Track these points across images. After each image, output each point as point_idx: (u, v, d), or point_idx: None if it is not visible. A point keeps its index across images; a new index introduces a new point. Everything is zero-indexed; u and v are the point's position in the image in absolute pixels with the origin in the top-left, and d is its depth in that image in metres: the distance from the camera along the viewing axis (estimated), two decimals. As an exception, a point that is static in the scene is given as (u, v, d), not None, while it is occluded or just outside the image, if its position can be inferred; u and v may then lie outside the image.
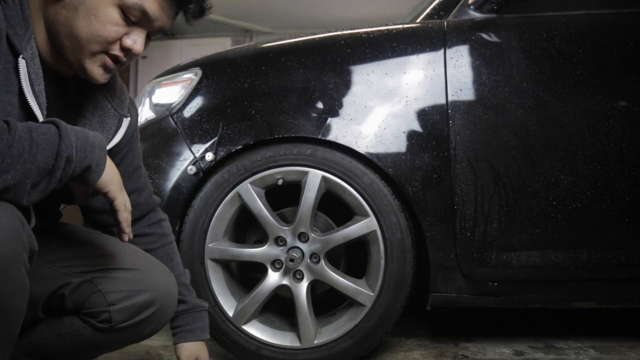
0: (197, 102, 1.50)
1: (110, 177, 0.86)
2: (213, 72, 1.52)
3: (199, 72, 1.52)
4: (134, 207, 1.03)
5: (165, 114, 1.53)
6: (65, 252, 1.01)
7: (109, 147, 0.98)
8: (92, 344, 1.00)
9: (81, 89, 0.98)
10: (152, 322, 1.03)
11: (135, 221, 1.14)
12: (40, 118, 0.85)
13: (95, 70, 0.87)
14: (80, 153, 0.79)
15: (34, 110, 0.84)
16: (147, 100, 1.62)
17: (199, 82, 1.51)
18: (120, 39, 0.86)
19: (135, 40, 0.86)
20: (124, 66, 0.91)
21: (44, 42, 0.88)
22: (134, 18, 0.85)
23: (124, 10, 0.84)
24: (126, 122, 1.03)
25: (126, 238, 0.92)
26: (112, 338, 1.00)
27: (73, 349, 1.01)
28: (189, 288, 1.22)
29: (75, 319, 1.00)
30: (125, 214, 0.90)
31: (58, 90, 0.94)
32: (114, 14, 0.84)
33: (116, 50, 0.86)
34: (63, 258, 1.00)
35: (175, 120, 1.51)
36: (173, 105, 1.53)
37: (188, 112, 1.50)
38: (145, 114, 1.61)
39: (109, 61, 0.87)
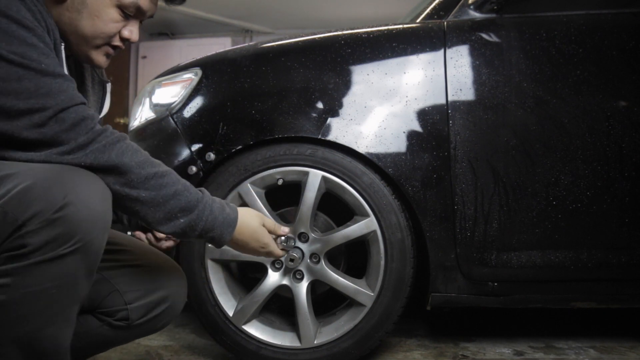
0: (197, 102, 1.50)
1: (242, 245, 1.04)
2: (213, 72, 1.52)
3: (199, 72, 1.52)
4: None
5: (165, 114, 1.53)
6: None
7: (103, 113, 1.10)
8: (107, 341, 1.05)
9: (79, 63, 1.07)
10: (165, 317, 1.08)
11: None
12: None
13: (100, 58, 0.99)
14: (207, 225, 0.96)
15: None
16: (147, 100, 1.62)
17: (199, 82, 1.51)
18: (118, 32, 0.99)
19: (132, 30, 0.98)
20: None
21: None
22: (130, 13, 0.97)
23: (122, 8, 0.95)
24: (108, 87, 1.13)
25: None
26: (127, 334, 1.06)
27: (87, 347, 1.05)
28: None
29: (91, 318, 1.03)
30: (271, 246, 1.08)
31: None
32: (114, 13, 0.95)
33: (117, 42, 0.98)
34: None
35: (175, 120, 1.51)
36: (173, 105, 1.53)
37: (188, 112, 1.50)
38: (145, 114, 1.61)
39: (110, 50, 0.99)
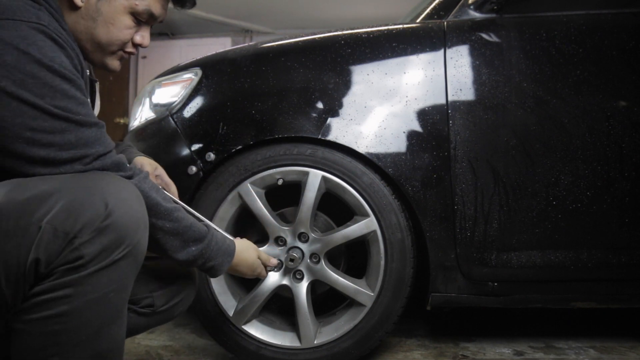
0: (197, 102, 1.50)
1: (235, 269, 1.16)
2: (213, 72, 1.52)
3: (199, 72, 1.52)
4: None
5: (165, 114, 1.53)
6: None
7: (96, 112, 1.13)
8: (132, 328, 1.08)
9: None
10: (183, 304, 1.18)
11: None
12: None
13: (115, 63, 1.05)
14: (212, 254, 1.07)
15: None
16: (147, 100, 1.62)
17: (199, 82, 1.51)
18: (131, 38, 1.03)
19: (144, 36, 1.03)
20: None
21: None
22: (142, 19, 1.01)
23: (135, 15, 0.99)
24: (97, 86, 1.17)
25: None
26: (150, 321, 1.13)
27: None
28: None
29: None
30: (262, 273, 1.25)
31: None
32: (128, 20, 0.99)
33: (129, 48, 1.03)
34: None
35: (175, 120, 1.51)
36: (173, 105, 1.53)
37: (188, 112, 1.50)
38: (145, 114, 1.61)
39: (125, 55, 1.04)
